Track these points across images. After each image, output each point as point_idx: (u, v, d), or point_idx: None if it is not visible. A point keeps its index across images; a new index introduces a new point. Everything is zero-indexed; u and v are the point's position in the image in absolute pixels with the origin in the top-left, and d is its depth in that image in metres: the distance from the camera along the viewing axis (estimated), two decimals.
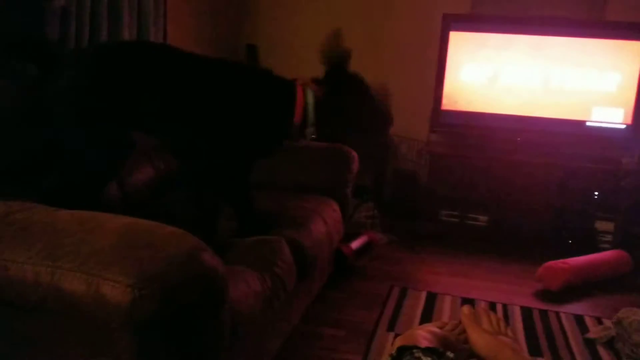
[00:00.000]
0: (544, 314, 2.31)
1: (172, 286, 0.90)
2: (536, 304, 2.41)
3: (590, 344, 2.08)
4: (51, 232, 0.99)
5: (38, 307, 0.94)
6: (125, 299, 0.86)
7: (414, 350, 0.80)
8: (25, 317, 0.98)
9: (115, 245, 0.94)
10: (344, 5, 3.62)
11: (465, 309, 1.05)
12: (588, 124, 3.07)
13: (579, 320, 2.27)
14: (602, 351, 2.03)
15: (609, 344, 2.07)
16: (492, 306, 2.34)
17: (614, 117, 3.04)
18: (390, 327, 2.10)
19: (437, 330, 0.96)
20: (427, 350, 0.80)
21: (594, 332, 2.14)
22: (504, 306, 2.36)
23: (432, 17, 3.29)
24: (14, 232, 1.00)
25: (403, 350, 0.81)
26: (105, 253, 0.92)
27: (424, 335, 0.90)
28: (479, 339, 0.97)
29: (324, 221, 2.13)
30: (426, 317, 2.18)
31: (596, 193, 2.98)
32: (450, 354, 0.79)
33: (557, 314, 2.32)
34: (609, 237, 2.96)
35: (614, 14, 3.16)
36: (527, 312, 2.31)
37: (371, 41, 3.61)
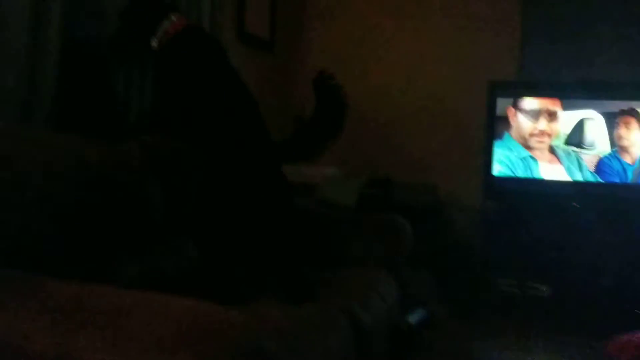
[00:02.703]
0: None
1: None
2: None
3: None
4: (117, 319, 1.01)
5: None
6: None
7: None
8: None
9: (177, 334, 0.95)
10: (389, 72, 3.71)
11: None
12: None
13: None
14: None
15: None
16: None
17: None
18: None
19: None
20: None
21: None
22: None
23: (478, 82, 3.32)
24: (84, 319, 1.02)
25: None
26: (167, 342, 0.94)
27: None
28: None
29: (381, 295, 2.09)
30: None
31: None
32: None
33: None
34: None
35: None
36: None
37: (419, 105, 3.66)
